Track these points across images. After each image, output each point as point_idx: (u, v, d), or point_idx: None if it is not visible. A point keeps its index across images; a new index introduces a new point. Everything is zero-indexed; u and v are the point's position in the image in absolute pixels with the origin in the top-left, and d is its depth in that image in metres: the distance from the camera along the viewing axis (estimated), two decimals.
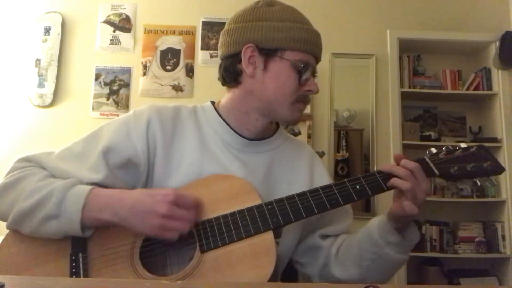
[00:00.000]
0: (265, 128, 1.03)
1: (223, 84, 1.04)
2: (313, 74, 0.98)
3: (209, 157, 0.96)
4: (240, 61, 0.96)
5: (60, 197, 0.81)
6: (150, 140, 0.93)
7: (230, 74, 0.99)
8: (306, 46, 0.94)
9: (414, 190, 0.84)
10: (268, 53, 0.94)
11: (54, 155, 0.94)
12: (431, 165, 0.89)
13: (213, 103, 1.06)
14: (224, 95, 1.06)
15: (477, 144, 0.93)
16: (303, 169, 1.05)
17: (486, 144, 0.94)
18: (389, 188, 0.88)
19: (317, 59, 0.99)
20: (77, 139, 0.97)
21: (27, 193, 0.84)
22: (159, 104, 1.02)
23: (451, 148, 0.93)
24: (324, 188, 0.89)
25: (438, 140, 3.14)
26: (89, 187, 0.84)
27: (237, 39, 0.96)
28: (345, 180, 0.89)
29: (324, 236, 1.04)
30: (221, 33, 1.02)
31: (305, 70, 0.94)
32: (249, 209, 0.86)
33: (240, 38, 0.96)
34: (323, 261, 1.02)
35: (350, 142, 3.20)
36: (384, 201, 2.95)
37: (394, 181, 0.86)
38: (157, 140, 0.94)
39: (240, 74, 0.98)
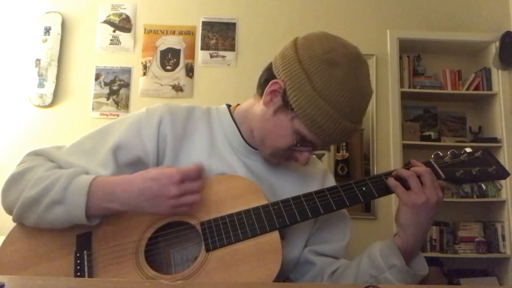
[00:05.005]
0: None
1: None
2: (313, 149, 0.90)
3: (217, 159, 0.95)
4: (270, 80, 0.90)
5: (66, 183, 0.81)
6: (161, 140, 0.93)
7: (262, 85, 0.94)
8: (320, 134, 0.85)
9: (416, 200, 0.82)
10: (286, 104, 0.86)
11: (64, 150, 0.94)
12: (437, 168, 0.90)
13: (228, 106, 1.05)
14: (231, 97, 1.04)
15: (482, 149, 0.94)
16: (314, 187, 0.98)
17: (486, 144, 0.95)
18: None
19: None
20: (87, 133, 0.97)
21: (33, 181, 0.83)
22: (172, 103, 1.00)
23: (456, 152, 0.94)
24: (330, 189, 0.89)
25: (438, 140, 3.14)
26: (94, 175, 0.84)
27: (282, 68, 0.88)
28: (351, 181, 0.89)
29: (318, 254, 0.98)
30: (285, 46, 0.92)
31: (302, 144, 0.88)
32: (255, 209, 0.86)
33: (283, 70, 0.87)
34: (313, 278, 0.97)
35: (350, 142, 3.19)
36: (385, 202, 2.95)
37: (396, 189, 0.85)
38: (167, 140, 0.93)
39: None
